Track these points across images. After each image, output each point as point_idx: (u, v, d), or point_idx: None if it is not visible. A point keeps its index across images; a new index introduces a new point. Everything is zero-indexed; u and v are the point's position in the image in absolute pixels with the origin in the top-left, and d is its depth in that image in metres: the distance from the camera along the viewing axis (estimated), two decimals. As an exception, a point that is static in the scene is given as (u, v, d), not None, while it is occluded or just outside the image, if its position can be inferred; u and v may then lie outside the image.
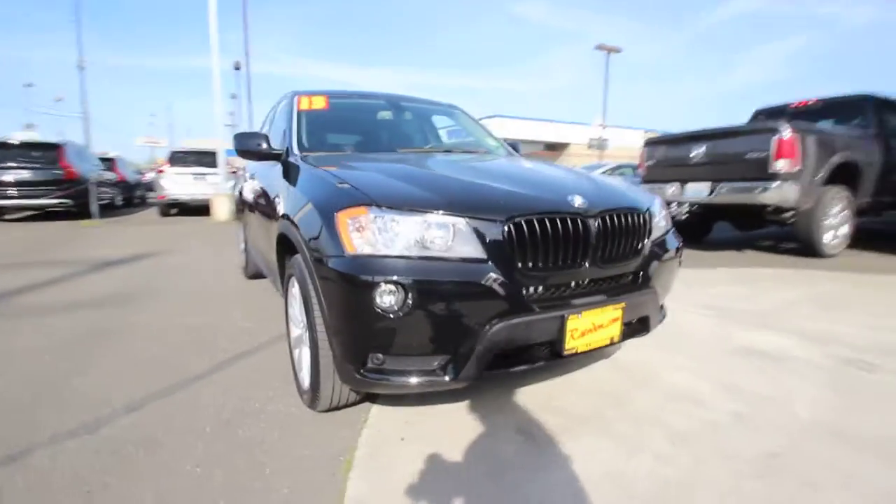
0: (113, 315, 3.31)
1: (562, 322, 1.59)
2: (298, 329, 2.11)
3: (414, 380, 1.54)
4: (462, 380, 1.54)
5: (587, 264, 1.67)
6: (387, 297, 1.44)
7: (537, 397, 2.07)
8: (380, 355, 1.53)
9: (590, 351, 1.72)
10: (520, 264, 1.55)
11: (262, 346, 2.72)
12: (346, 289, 1.50)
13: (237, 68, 23.32)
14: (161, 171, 10.80)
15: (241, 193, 4.11)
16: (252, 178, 3.46)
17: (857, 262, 5.08)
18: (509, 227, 1.54)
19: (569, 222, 1.62)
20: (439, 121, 3.32)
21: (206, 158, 11.21)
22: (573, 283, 1.67)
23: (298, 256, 1.88)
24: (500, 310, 1.51)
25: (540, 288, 1.60)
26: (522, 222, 1.56)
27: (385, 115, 3.19)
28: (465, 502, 1.42)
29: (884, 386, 2.18)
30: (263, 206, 2.73)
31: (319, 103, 2.91)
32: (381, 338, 1.49)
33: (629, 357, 2.50)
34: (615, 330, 1.75)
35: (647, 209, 1.94)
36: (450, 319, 1.49)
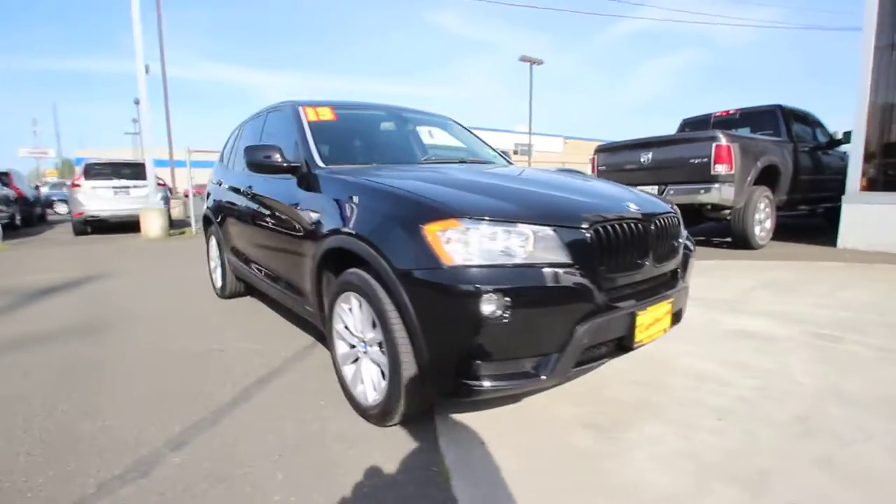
0: (88, 347, 2.97)
1: (633, 317, 1.74)
2: (348, 345, 2.08)
3: (513, 382, 1.60)
4: (555, 378, 1.62)
5: (647, 263, 1.83)
6: (490, 305, 1.49)
7: (581, 390, 2.21)
8: (480, 362, 1.56)
9: (649, 342, 1.88)
10: (601, 267, 1.67)
11: (283, 367, 2.60)
12: (448, 299, 1.53)
13: (147, 72, 21.57)
14: (76, 186, 9.68)
15: (216, 209, 3.86)
16: (240, 192, 3.27)
17: (783, 251, 5.87)
18: (593, 233, 1.65)
19: (634, 226, 1.77)
20: (438, 132, 3.38)
21: (126, 170, 10.22)
22: (639, 282, 1.83)
23: (360, 271, 1.85)
24: (588, 310, 1.61)
25: (615, 287, 1.73)
26: (601, 228, 1.68)
27: (389, 125, 3.19)
28: (579, 490, 1.50)
29: (853, 355, 2.59)
30: (279, 222, 2.60)
31: (327, 115, 2.84)
32: (484, 345, 1.53)
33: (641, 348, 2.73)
34: (667, 322, 1.93)
35: (676, 211, 2.15)
36: (545, 322, 1.57)
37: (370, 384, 1.95)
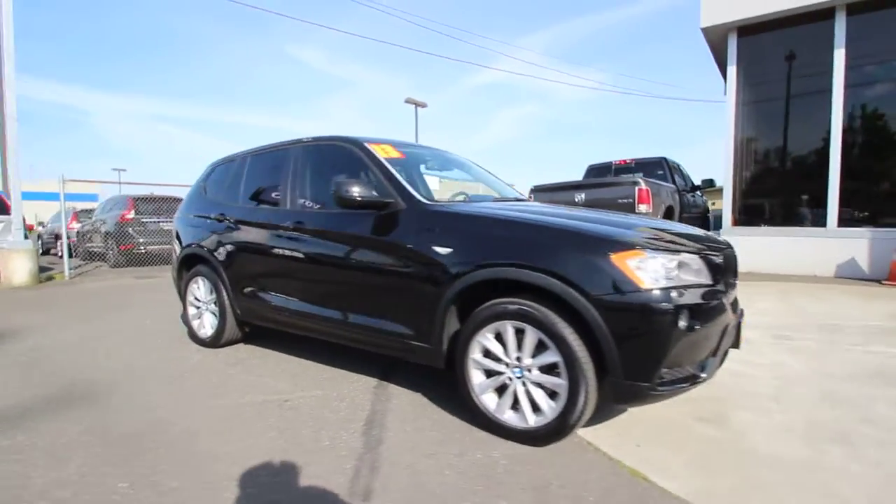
0: (110, 417, 2.46)
1: (739, 324, 2.20)
2: (487, 374, 2.17)
3: (684, 384, 1.90)
4: (710, 377, 1.98)
5: (733, 282, 2.33)
6: (684, 320, 1.80)
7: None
8: (666, 369, 1.85)
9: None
10: (721, 287, 2.09)
11: (373, 406, 2.51)
12: (648, 317, 1.79)
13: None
14: None
15: (215, 247, 3.49)
16: (277, 227, 3.05)
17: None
18: (720, 259, 2.08)
19: (724, 252, 2.26)
20: (472, 169, 3.62)
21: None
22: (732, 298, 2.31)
23: (525, 301, 2.01)
24: (728, 320, 2.02)
25: (730, 301, 2.18)
26: (721, 254, 2.13)
27: (435, 164, 3.33)
28: (733, 462, 1.85)
29: (809, 346, 3.45)
30: (371, 259, 2.55)
31: (393, 152, 2.91)
32: (674, 354, 1.82)
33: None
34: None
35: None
36: (711, 331, 1.93)
37: (527, 408, 2.07)
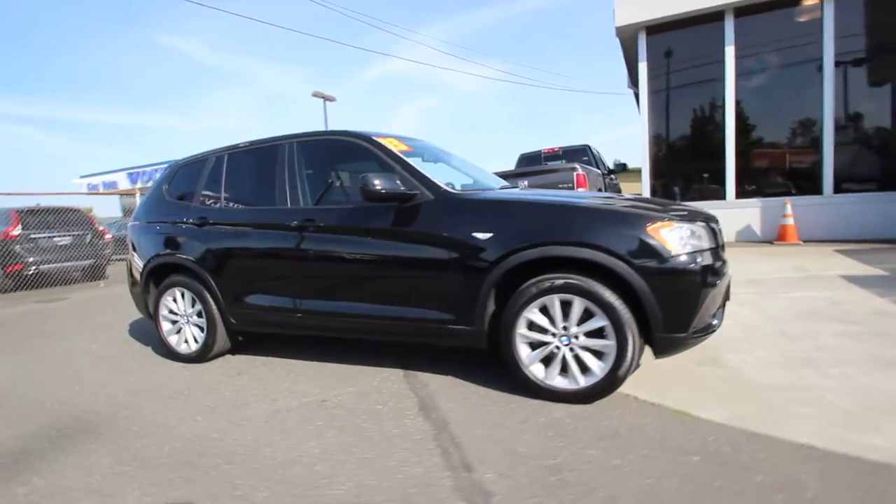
0: (135, 444, 2.24)
1: (729, 281, 2.62)
2: (532, 347, 2.36)
3: (707, 333, 2.24)
4: (720, 324, 2.34)
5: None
6: (707, 277, 2.14)
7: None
8: (698, 320, 2.17)
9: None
10: (720, 249, 2.48)
11: (420, 396, 2.58)
12: (682, 278, 2.10)
13: None
14: None
15: (204, 254, 3.25)
16: (285, 227, 2.92)
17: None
18: (715, 226, 2.45)
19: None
20: (459, 160, 3.74)
21: None
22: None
23: (571, 275, 2.22)
24: (727, 274, 2.40)
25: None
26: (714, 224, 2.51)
27: (431, 155, 3.39)
28: (737, 389, 2.24)
29: (748, 298, 4.11)
30: (402, 251, 2.59)
31: (401, 146, 2.94)
32: (704, 307, 2.15)
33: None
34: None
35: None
36: (721, 286, 2.29)
37: (577, 371, 2.29)
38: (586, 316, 2.25)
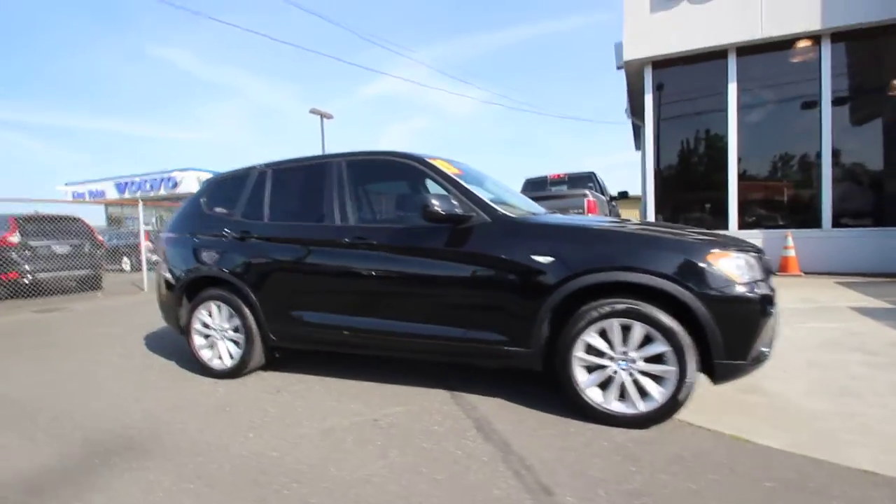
0: (192, 461, 2.19)
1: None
2: (589, 370, 2.40)
3: (762, 360, 2.31)
4: (771, 353, 2.41)
5: None
6: (767, 307, 2.22)
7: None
8: (756, 348, 2.24)
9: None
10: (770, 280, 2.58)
11: (473, 417, 2.59)
12: (742, 306, 2.17)
13: None
14: None
15: (244, 267, 3.24)
16: (333, 244, 2.95)
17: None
18: (764, 258, 2.55)
19: None
20: (499, 185, 3.81)
21: None
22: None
23: (631, 300, 2.28)
24: (776, 305, 2.49)
25: None
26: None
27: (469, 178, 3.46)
28: (777, 414, 2.31)
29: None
30: (457, 271, 2.63)
31: (452, 168, 3.01)
32: (763, 334, 2.22)
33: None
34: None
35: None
36: (775, 314, 2.36)
37: (635, 396, 2.33)
38: (645, 341, 2.31)
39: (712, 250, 2.26)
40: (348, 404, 2.82)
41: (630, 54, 8.02)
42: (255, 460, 2.17)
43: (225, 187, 3.62)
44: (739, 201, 7.74)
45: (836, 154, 7.25)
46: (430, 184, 2.99)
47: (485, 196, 2.77)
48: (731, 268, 2.24)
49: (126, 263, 15.93)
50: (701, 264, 2.23)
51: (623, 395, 2.37)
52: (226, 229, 3.39)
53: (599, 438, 2.25)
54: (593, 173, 9.28)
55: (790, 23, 7.03)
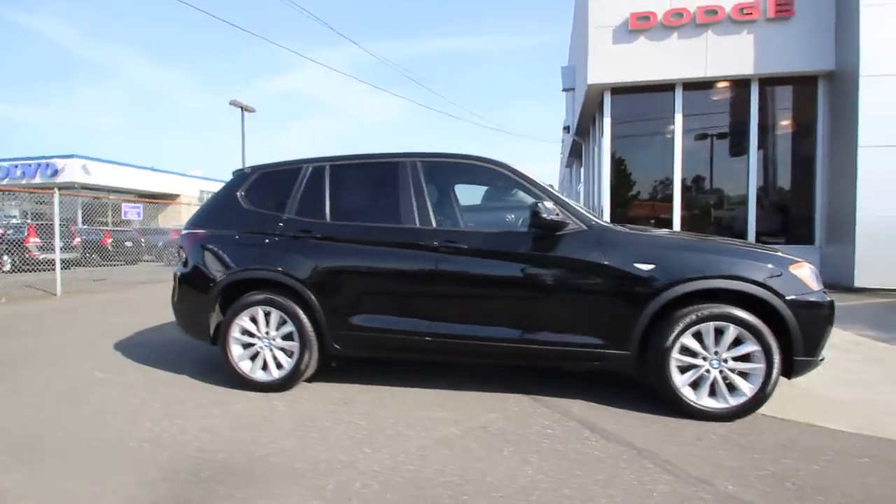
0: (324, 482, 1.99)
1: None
2: (682, 370, 2.61)
3: (823, 358, 2.68)
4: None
5: None
6: (833, 311, 2.59)
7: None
8: (823, 345, 2.60)
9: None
10: None
11: (576, 419, 2.66)
12: (820, 311, 2.52)
13: None
14: None
15: (313, 272, 2.99)
16: (416, 246, 2.87)
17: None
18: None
19: None
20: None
21: None
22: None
23: (726, 306, 2.53)
24: None
25: None
26: None
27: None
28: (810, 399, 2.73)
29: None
30: (561, 276, 2.72)
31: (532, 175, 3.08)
32: (827, 337, 2.59)
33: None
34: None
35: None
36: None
37: (724, 392, 2.57)
38: (738, 342, 2.57)
39: (794, 261, 2.60)
40: (435, 413, 2.74)
41: (593, 79, 8.68)
42: (396, 476, 2.04)
43: (268, 181, 3.31)
44: (682, 219, 8.72)
45: (759, 181, 8.50)
46: (515, 191, 3.02)
47: (583, 206, 2.88)
48: (807, 277, 2.59)
49: (6, 263, 13.45)
50: (784, 273, 2.55)
51: (714, 392, 2.61)
52: (280, 227, 3.10)
53: (705, 432, 2.46)
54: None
55: (727, 66, 8.13)
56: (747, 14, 7.82)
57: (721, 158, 8.80)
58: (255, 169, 3.40)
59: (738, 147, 8.60)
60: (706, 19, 8.01)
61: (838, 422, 2.58)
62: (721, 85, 8.58)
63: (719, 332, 2.58)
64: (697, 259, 2.63)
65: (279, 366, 3.07)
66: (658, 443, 2.34)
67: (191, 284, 3.26)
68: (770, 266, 2.58)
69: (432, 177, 3.06)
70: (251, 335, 3.10)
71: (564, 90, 12.88)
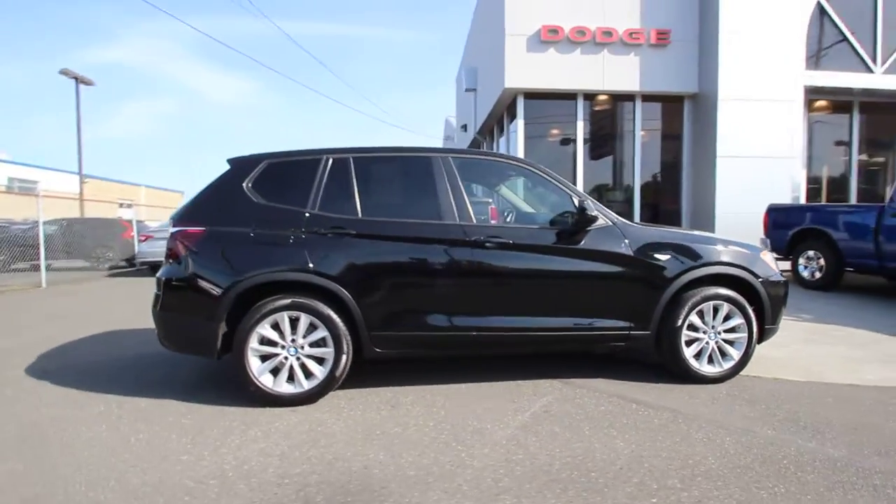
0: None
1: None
2: (689, 342, 3.10)
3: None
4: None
5: None
6: (787, 289, 3.32)
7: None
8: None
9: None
10: None
11: (627, 401, 2.96)
12: (780, 287, 3.19)
13: None
14: None
15: (352, 270, 2.77)
16: (458, 243, 2.87)
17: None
18: None
19: None
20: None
21: None
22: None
23: (723, 288, 3.06)
24: None
25: None
26: None
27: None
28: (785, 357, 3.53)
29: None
30: (588, 267, 2.97)
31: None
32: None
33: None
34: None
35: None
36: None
37: (719, 358, 3.13)
38: (728, 317, 3.13)
39: (762, 250, 3.25)
40: (490, 404, 2.80)
41: (509, 83, 9.27)
42: (516, 466, 2.10)
43: (283, 173, 2.96)
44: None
45: (644, 177, 10.03)
46: (540, 188, 3.20)
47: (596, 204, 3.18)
48: (771, 262, 3.27)
49: None
50: (759, 260, 3.19)
51: (711, 360, 3.14)
52: (304, 224, 2.82)
53: (713, 393, 2.96)
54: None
55: (618, 82, 9.39)
56: (635, 38, 9.13)
57: (613, 161, 10.16)
58: (260, 158, 3.01)
59: (626, 152, 10.02)
60: (604, 39, 9.13)
61: (790, 374, 3.31)
62: (609, 97, 9.88)
63: (716, 310, 3.12)
64: (699, 249, 3.13)
65: (308, 375, 2.81)
66: (690, 406, 2.76)
67: (189, 291, 2.77)
68: (749, 254, 3.20)
69: (466, 174, 3.09)
70: (273, 344, 2.78)
71: (467, 90, 13.41)
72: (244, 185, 2.92)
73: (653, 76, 9.36)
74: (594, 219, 2.95)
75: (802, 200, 9.58)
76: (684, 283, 3.04)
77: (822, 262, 6.54)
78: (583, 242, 3.01)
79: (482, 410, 2.73)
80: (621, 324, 3.04)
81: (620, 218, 3.19)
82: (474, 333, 2.92)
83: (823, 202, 9.99)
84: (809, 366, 3.50)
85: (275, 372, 2.80)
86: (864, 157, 10.40)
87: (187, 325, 2.82)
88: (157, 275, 2.94)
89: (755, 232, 6.75)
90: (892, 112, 9.98)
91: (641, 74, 9.34)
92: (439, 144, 32.03)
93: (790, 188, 9.14)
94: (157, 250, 9.98)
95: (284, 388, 2.79)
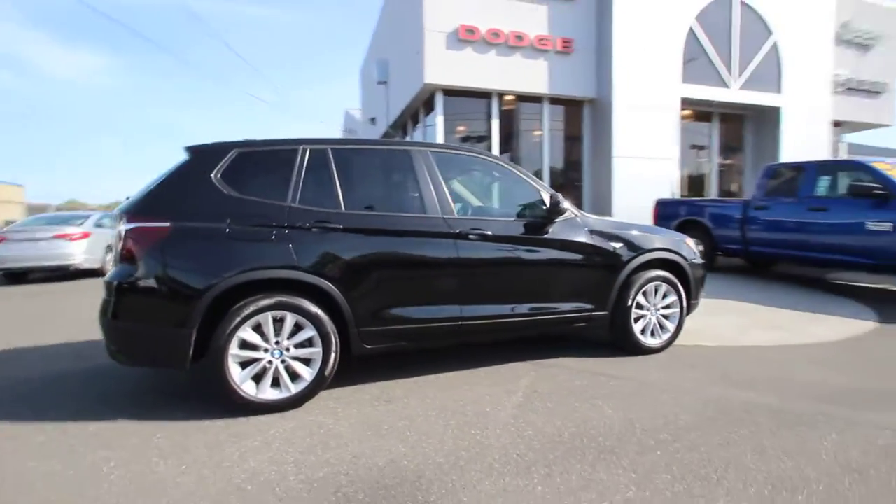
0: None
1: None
2: (637, 317, 3.54)
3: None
4: (688, 297, 4.19)
5: None
6: (706, 269, 3.94)
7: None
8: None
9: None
10: None
11: (602, 376, 3.26)
12: (702, 268, 3.79)
13: None
14: None
15: (347, 265, 2.67)
16: (447, 235, 2.94)
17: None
18: None
19: None
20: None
21: None
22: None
23: (662, 271, 3.54)
24: None
25: None
26: None
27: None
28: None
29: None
30: (564, 256, 3.25)
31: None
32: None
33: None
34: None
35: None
36: (691, 274, 4.14)
37: (659, 331, 3.62)
38: (667, 295, 3.63)
39: (686, 237, 3.81)
40: (476, 390, 2.91)
41: (429, 79, 9.40)
42: (559, 442, 2.24)
43: (256, 163, 2.73)
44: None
45: (553, 169, 10.87)
46: (511, 182, 3.38)
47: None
48: (693, 246, 3.85)
49: None
50: (684, 245, 3.74)
51: (653, 334, 3.61)
52: (284, 218, 2.64)
53: (662, 362, 3.43)
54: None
55: (529, 84, 10.05)
56: (544, 45, 9.84)
57: (525, 157, 10.85)
58: (227, 146, 2.74)
59: (535, 149, 10.78)
60: (516, 43, 9.69)
61: (706, 341, 3.95)
62: (519, 98, 10.54)
63: (656, 290, 3.60)
64: (642, 238, 3.58)
65: (294, 378, 2.67)
66: (646, 374, 3.17)
67: (154, 296, 2.45)
68: (678, 240, 3.75)
69: (445, 168, 3.14)
70: (255, 348, 2.58)
71: (379, 83, 13.25)
72: (212, 175, 2.65)
73: (559, 80, 10.19)
74: (564, 210, 3.21)
75: (678, 195, 11.20)
76: (634, 267, 3.47)
77: (701, 248, 7.76)
78: (553, 233, 3.26)
79: (476, 396, 2.84)
80: (586, 306, 3.37)
81: (580, 210, 3.52)
82: (460, 323, 3.02)
83: (702, 197, 11.79)
84: (717, 333, 4.20)
85: (257, 378, 2.61)
86: (720, 159, 12.49)
87: (150, 335, 2.49)
88: (107, 278, 2.55)
89: (646, 222, 7.76)
90: (742, 122, 12.11)
91: (550, 78, 10.11)
92: (336, 133, 31.20)
93: (669, 184, 10.63)
94: (17, 254, 8.34)
95: (268, 394, 2.61)
